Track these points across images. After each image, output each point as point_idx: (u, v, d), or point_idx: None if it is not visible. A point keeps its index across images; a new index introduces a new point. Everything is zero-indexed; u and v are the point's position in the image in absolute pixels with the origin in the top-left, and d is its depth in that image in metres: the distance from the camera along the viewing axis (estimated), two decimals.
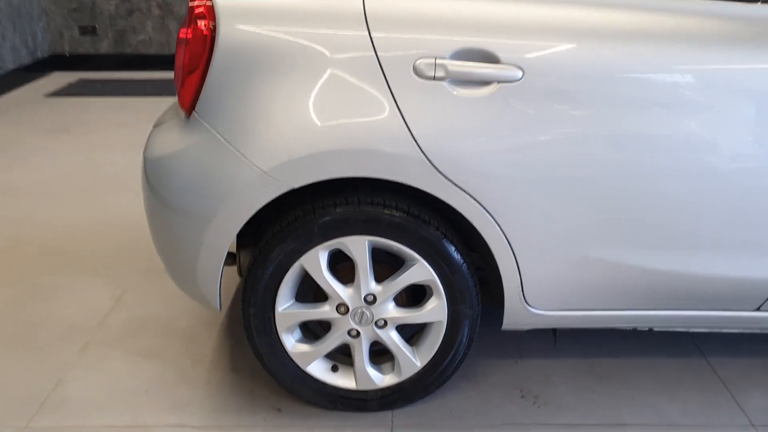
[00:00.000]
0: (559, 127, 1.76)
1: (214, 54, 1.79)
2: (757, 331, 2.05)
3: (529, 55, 1.74)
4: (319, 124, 1.76)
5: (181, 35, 1.86)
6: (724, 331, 2.06)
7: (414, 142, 1.76)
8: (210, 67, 1.81)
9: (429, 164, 1.78)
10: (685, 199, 1.81)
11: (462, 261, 1.91)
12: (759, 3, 1.79)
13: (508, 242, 1.85)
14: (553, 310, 1.96)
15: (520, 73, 1.74)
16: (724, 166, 1.79)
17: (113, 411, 2.09)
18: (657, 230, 1.84)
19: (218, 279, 1.93)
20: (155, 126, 2.12)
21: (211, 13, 1.80)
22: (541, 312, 1.96)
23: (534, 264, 1.88)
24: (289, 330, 2.00)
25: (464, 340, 1.99)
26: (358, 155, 1.77)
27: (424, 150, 1.77)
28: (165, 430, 2.01)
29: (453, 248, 1.89)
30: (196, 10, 1.82)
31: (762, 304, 1.97)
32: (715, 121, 1.75)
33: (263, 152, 1.78)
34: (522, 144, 1.77)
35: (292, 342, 2.01)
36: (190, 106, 1.87)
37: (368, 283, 1.92)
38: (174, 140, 1.92)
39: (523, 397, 2.14)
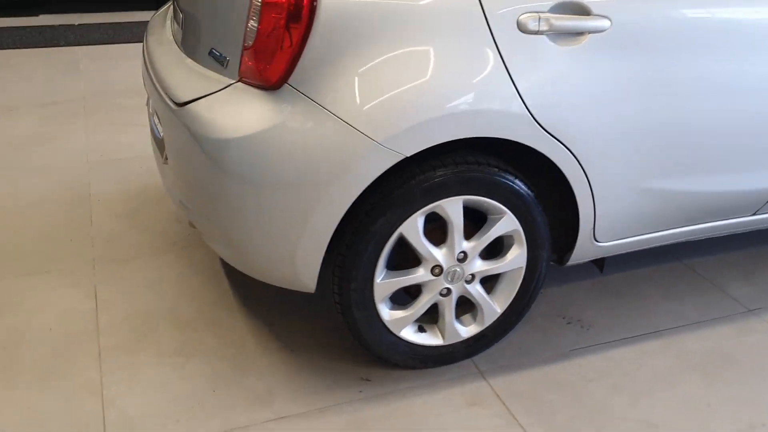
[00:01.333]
0: (638, 71, 1.89)
1: (315, 20, 1.65)
2: (745, 231, 2.42)
3: (616, 5, 1.84)
4: (431, 87, 1.72)
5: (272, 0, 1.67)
6: (722, 235, 2.39)
7: (519, 97, 1.79)
8: (311, 34, 1.66)
9: (531, 118, 1.82)
10: (724, 128, 2.06)
11: (540, 208, 2.00)
12: None
13: (589, 184, 1.98)
14: (612, 241, 2.15)
15: (608, 23, 1.83)
16: (747, 103, 2.06)
17: (195, 420, 1.91)
18: (699, 158, 2.08)
19: (320, 259, 1.83)
20: (181, 103, 1.88)
21: None
22: (603, 244, 2.13)
23: (606, 201, 2.03)
24: (384, 300, 1.96)
25: (539, 281, 2.11)
26: (470, 116, 1.76)
27: (527, 105, 1.81)
28: (268, 426, 1.89)
29: (534, 197, 1.97)
30: None
31: (758, 210, 2.32)
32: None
33: (376, 122, 1.70)
34: (606, 89, 1.88)
35: (387, 311, 1.97)
36: (281, 78, 1.70)
37: (461, 242, 1.95)
38: (254, 116, 1.74)
39: (569, 323, 2.33)
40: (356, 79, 1.69)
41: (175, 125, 1.93)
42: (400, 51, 1.70)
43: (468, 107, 1.75)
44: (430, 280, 1.97)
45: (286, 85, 1.71)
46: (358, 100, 1.69)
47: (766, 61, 2.02)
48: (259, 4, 1.70)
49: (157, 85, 2.10)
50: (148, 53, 2.34)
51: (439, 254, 1.94)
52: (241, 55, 1.79)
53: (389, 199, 1.82)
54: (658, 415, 1.97)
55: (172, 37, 2.31)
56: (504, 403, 1.99)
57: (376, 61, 1.69)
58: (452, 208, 1.89)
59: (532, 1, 1.77)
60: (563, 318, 2.35)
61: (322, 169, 1.72)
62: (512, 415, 1.95)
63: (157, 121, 2.28)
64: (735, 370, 2.16)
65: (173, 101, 1.95)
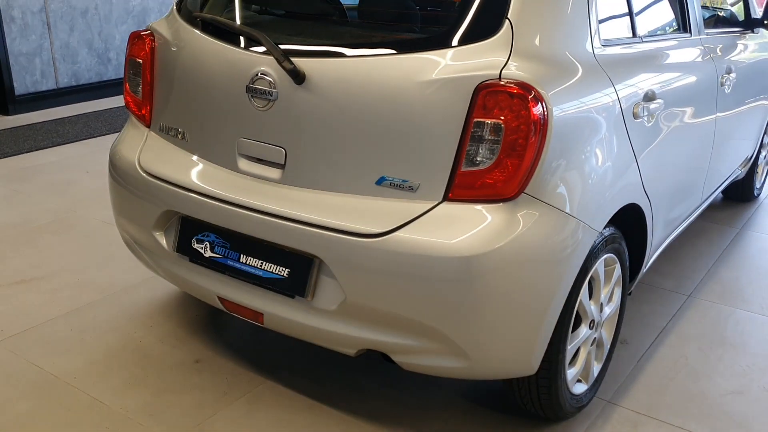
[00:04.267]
0: (675, 129, 2.53)
1: (548, 135, 1.89)
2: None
3: (664, 90, 2.43)
4: (608, 172, 2.12)
5: (510, 123, 1.85)
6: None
7: (638, 170, 2.27)
8: (544, 149, 1.89)
9: (641, 183, 2.31)
10: (695, 161, 2.83)
11: (627, 254, 2.47)
12: None
13: (653, 225, 2.52)
14: (646, 266, 2.71)
15: (663, 101, 2.41)
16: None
17: None
18: (687, 183, 2.81)
19: (549, 338, 2.04)
20: (375, 234, 1.93)
21: (534, 95, 1.86)
22: (644, 270, 2.69)
23: (656, 236, 2.60)
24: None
25: (624, 309, 2.57)
26: (624, 189, 2.21)
27: (641, 174, 2.29)
28: None
29: (626, 246, 2.44)
30: (518, 93, 1.84)
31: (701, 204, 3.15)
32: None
33: (588, 210, 2.03)
34: (661, 148, 2.46)
35: (567, 372, 2.24)
36: (519, 190, 1.89)
37: (602, 294, 2.32)
38: (495, 227, 1.88)
39: (621, 342, 2.82)
40: (567, 175, 1.97)
41: (375, 256, 1.93)
42: (588, 146, 2.04)
43: (625, 182, 2.19)
44: (589, 335, 2.29)
45: (523, 194, 1.90)
46: (575, 195, 1.98)
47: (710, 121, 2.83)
48: (494, 132, 1.86)
49: (308, 228, 2.03)
50: (221, 199, 2.18)
51: (594, 310, 2.28)
52: (455, 177, 1.91)
53: (582, 275, 2.12)
54: (745, 384, 2.59)
55: (236, 174, 2.21)
56: (661, 420, 2.40)
57: (577, 157, 2.00)
58: (601, 268, 2.26)
59: (635, 94, 2.26)
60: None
61: (559, 260, 1.95)
62: (678, 427, 2.37)
63: (256, 262, 2.17)
64: (735, 334, 2.89)
65: (355, 234, 1.95)
